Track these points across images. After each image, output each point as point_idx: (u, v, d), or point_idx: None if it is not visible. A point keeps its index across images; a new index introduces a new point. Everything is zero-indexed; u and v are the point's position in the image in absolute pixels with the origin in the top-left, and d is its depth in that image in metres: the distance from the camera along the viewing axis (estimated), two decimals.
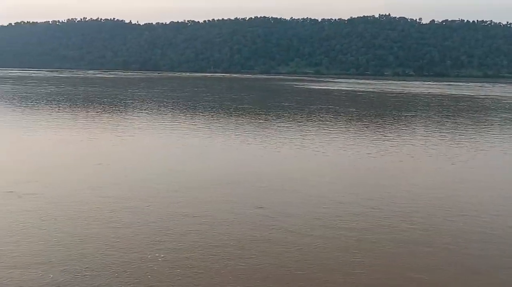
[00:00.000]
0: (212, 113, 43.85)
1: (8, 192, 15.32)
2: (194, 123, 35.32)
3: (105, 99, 59.16)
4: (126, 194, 15.59)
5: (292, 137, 29.10)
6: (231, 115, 42.73)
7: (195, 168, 20.13)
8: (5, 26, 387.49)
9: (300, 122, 37.92)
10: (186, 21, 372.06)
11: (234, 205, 14.67)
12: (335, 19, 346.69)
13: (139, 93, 74.16)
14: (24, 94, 65.85)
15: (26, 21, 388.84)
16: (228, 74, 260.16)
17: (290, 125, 35.68)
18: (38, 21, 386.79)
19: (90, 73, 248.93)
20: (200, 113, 43.61)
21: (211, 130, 31.60)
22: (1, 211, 13.50)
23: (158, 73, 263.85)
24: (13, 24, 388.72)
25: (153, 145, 25.81)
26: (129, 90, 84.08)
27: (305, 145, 26.09)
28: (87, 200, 14.75)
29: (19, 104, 49.02)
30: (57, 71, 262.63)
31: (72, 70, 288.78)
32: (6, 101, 53.37)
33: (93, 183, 16.99)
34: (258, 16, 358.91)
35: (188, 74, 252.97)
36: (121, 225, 12.63)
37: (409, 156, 23.94)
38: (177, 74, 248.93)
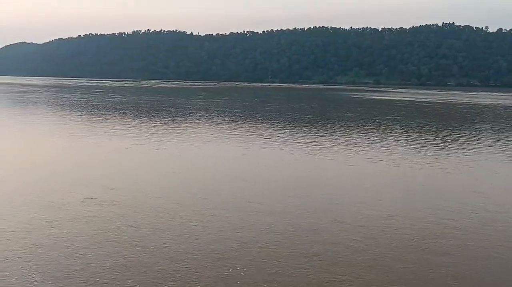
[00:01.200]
0: (276, 123, 43.54)
1: (88, 198, 15.53)
2: (261, 133, 35.07)
3: (170, 109, 60.38)
4: (205, 203, 15.38)
5: (361, 149, 28.13)
6: (295, 126, 42.19)
7: (269, 178, 19.75)
8: (74, 38, 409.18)
9: (367, 133, 36.78)
10: (245, 32, 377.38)
11: (310, 217, 14.09)
12: (396, 28, 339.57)
13: (201, 103, 75.31)
14: (94, 103, 68.56)
15: (94, 33, 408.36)
16: (286, 84, 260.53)
17: (357, 136, 34.66)
18: (105, 33, 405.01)
19: (153, 83, 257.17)
20: (265, 123, 43.40)
21: (277, 140, 31.20)
22: (84, 218, 13.62)
23: (217, 83, 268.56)
24: (82, 36, 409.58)
25: (222, 154, 25.71)
26: (191, 100, 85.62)
27: (376, 157, 25.07)
28: (167, 208, 14.66)
29: (90, 113, 50.92)
30: (122, 81, 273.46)
31: (136, 80, 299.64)
32: (77, 110, 55.65)
33: (169, 191, 16.97)
34: (317, 26, 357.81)
35: (246, 84, 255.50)
36: (207, 238, 12.37)
37: (493, 172, 22.42)
38: (235, 84, 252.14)
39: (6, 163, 21.95)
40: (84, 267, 10.22)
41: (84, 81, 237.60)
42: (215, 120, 45.82)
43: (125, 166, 22.22)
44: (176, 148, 27.60)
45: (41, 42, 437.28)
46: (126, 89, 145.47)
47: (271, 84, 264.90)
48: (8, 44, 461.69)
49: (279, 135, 34.58)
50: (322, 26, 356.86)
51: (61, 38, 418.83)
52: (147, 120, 44.66)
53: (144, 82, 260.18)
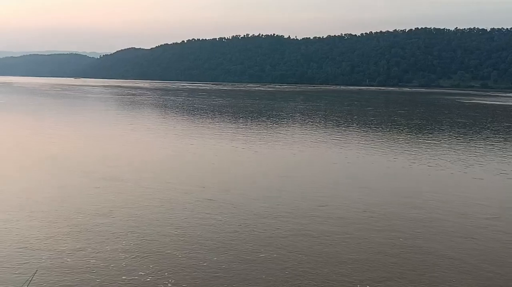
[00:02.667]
0: (383, 129, 42.04)
1: (208, 199, 15.90)
2: (369, 139, 34.01)
3: (272, 112, 60.96)
4: (329, 211, 15.07)
5: (487, 160, 26.12)
6: (401, 132, 40.35)
7: (384, 187, 18.96)
8: (178, 43, 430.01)
9: (488, 141, 34.19)
10: (343, 35, 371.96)
11: (435, 232, 13.18)
12: (507, 28, 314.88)
13: (300, 107, 75.17)
14: (199, 105, 71.30)
15: (196, 39, 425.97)
16: (384, 88, 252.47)
17: (478, 145, 32.32)
18: (207, 38, 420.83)
19: (250, 86, 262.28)
20: (372, 129, 42.08)
21: (388, 147, 29.99)
22: (206, 220, 13.90)
23: (313, 86, 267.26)
24: (185, 41, 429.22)
25: (332, 160, 25.19)
26: (290, 103, 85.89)
27: (506, 170, 23.11)
28: (286, 212, 14.57)
29: (197, 115, 52.91)
30: (221, 84, 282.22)
31: (234, 83, 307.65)
32: (185, 112, 58.11)
33: (285, 195, 16.88)
34: (419, 28, 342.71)
35: (342, 87, 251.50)
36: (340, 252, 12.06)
37: None
38: (332, 87, 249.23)
39: (124, 162, 23.26)
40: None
41: (186, 85, 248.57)
42: (317, 124, 45.34)
43: (239, 170, 22.50)
44: (287, 151, 27.58)
45: (149, 48, 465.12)
46: (225, 92, 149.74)
47: (368, 87, 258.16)
48: (120, 49, 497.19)
49: (390, 141, 33.27)
50: (425, 27, 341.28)
51: (167, 44, 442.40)
52: (253, 123, 45.33)
53: (242, 86, 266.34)
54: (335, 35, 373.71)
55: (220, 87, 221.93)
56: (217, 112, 57.86)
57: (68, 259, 10.62)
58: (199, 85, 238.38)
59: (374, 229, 13.42)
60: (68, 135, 33.39)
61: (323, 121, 48.27)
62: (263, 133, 36.01)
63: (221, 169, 22.14)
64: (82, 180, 18.52)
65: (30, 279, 9.21)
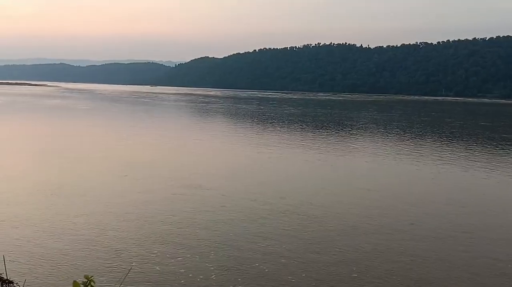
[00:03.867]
0: (467, 141, 39.76)
1: (292, 212, 15.59)
2: (453, 153, 32.25)
3: (346, 122, 59.89)
4: (422, 229, 14.26)
5: None
6: (497, 146, 37.80)
7: (479, 206, 17.72)
8: (250, 52, 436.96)
9: None
10: (418, 43, 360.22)
11: None
12: None
13: (374, 117, 73.28)
14: (271, 114, 71.51)
15: (268, 48, 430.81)
16: (461, 98, 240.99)
17: None
18: (278, 47, 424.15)
19: (320, 95, 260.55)
20: (454, 141, 39.97)
21: (475, 161, 28.21)
22: (292, 233, 13.57)
23: (385, 96, 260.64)
24: (256, 50, 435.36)
25: (414, 174, 24.02)
26: (363, 113, 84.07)
27: None
28: (373, 229, 13.93)
29: (271, 124, 53.02)
30: (290, 93, 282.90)
31: (304, 92, 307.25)
32: (258, 121, 58.41)
33: (370, 210, 16.18)
34: (500, 36, 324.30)
35: (416, 97, 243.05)
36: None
37: None
38: (405, 97, 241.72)
39: (204, 169, 23.50)
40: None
41: (256, 93, 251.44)
42: (394, 134, 43.74)
43: (317, 181, 22.03)
44: (364, 163, 26.76)
45: (221, 57, 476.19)
46: (296, 101, 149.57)
47: (444, 98, 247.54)
48: (194, 58, 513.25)
49: (476, 155, 31.32)
50: (507, 36, 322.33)
51: (239, 53, 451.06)
52: (327, 132, 44.62)
53: (312, 94, 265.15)
54: (409, 44, 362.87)
55: (290, 95, 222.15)
56: (289, 121, 57.68)
57: (157, 266, 10.68)
58: (269, 94, 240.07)
59: (478, 253, 12.47)
60: (149, 142, 34.46)
61: (400, 132, 46.57)
62: (337, 144, 35.26)
63: (299, 180, 21.76)
64: (165, 186, 18.84)
65: (122, 279, 9.39)
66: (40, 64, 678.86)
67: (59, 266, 10.46)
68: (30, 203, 15.66)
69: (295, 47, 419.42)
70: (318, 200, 17.54)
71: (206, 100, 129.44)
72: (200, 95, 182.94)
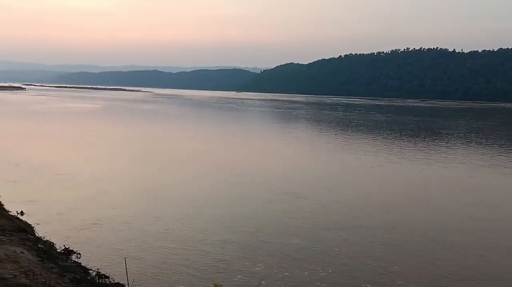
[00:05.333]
0: None
1: (402, 232, 14.87)
2: None
3: (441, 130, 56.99)
4: None
5: None
6: None
7: None
8: (335, 58, 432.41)
9: None
10: None
11: None
12: None
13: (473, 125, 69.04)
14: (360, 121, 69.92)
15: (354, 53, 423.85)
16: None
17: None
18: (365, 53, 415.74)
19: (408, 101, 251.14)
20: None
21: None
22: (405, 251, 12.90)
23: (479, 103, 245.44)
24: (342, 56, 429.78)
25: None
26: (460, 121, 79.66)
27: None
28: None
29: (360, 131, 51.79)
30: (376, 99, 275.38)
31: (391, 99, 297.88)
32: (348, 127, 57.31)
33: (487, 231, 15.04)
34: None
35: None
36: None
37: None
38: (502, 104, 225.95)
39: (301, 177, 23.25)
40: None
41: (341, 99, 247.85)
42: (504, 146, 40.74)
43: (419, 194, 20.94)
44: (469, 176, 25.13)
45: (306, 63, 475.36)
46: (383, 108, 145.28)
47: None
48: (279, 64, 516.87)
49: None
50: None
51: (324, 59, 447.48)
52: (424, 142, 42.61)
53: (399, 101, 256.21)
54: (507, 48, 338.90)
55: (376, 102, 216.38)
56: (379, 129, 55.97)
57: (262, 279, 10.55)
58: (354, 100, 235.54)
59: None
60: (240, 146, 34.96)
61: (508, 143, 43.38)
62: (438, 154, 33.36)
63: (401, 191, 20.83)
64: (259, 192, 18.81)
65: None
66: (134, 71, 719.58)
67: (180, 272, 10.58)
68: (139, 205, 16.28)
69: (382, 52, 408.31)
70: (423, 215, 16.63)
71: (292, 106, 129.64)
72: (285, 101, 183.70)
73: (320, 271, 10.95)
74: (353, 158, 30.26)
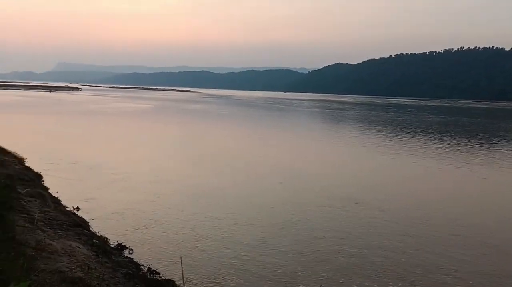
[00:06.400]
0: None
1: (469, 244, 14.08)
2: None
3: (508, 134, 54.40)
4: None
5: None
6: None
7: None
8: (385, 58, 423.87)
9: None
10: None
11: None
12: None
13: None
14: (413, 123, 67.83)
15: (405, 53, 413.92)
16: None
17: None
18: (416, 53, 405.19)
19: (461, 102, 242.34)
20: None
21: None
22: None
23: None
24: (393, 56, 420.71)
25: None
26: None
27: None
28: None
29: (416, 134, 50.21)
30: (428, 100, 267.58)
31: (443, 99, 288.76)
32: (402, 130, 55.67)
33: None
34: None
35: None
36: None
37: None
38: None
39: (361, 183, 22.63)
40: None
41: (391, 100, 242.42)
42: None
43: (489, 199, 19.83)
44: None
45: (355, 63, 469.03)
46: (436, 109, 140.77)
47: None
48: (327, 65, 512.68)
49: None
50: None
51: (373, 59, 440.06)
52: (484, 145, 40.57)
53: (452, 102, 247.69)
54: None
55: (428, 103, 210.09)
56: (435, 131, 53.96)
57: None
58: (405, 101, 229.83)
59: None
60: (291, 148, 34.58)
61: None
62: (502, 159, 31.72)
63: (468, 200, 19.69)
64: (317, 198, 18.36)
65: None
66: (184, 72, 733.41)
67: (235, 277, 10.30)
68: (194, 207, 16.24)
69: (435, 52, 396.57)
70: (493, 224, 15.61)
71: (341, 107, 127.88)
72: (333, 101, 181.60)
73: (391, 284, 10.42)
74: (412, 161, 28.86)
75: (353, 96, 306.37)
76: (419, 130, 54.31)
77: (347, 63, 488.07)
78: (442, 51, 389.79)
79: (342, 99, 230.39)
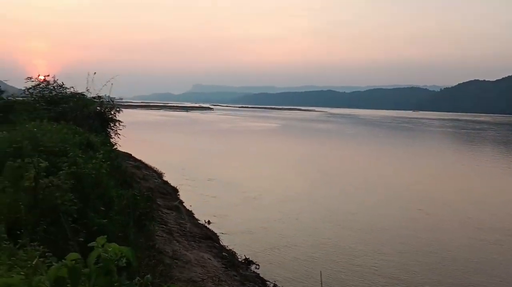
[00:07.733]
0: None
1: None
2: None
3: None
4: None
5: None
6: None
7: None
8: None
9: None
10: None
11: None
12: None
13: None
14: None
15: None
16: None
17: None
18: None
19: None
20: None
21: None
22: None
23: None
24: None
25: None
26: None
27: None
28: None
29: None
30: None
31: None
32: None
33: None
34: None
35: None
36: None
37: None
38: None
39: None
40: None
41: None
42: None
43: None
44: None
45: (494, 79, 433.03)
46: None
47: None
48: (461, 82, 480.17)
49: None
50: None
51: None
52: None
53: None
54: None
55: None
56: None
57: None
58: None
59: None
60: (422, 171, 32.91)
61: None
62: None
63: None
64: (463, 227, 17.19)
65: None
66: (309, 91, 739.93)
67: None
68: (325, 230, 16.21)
69: None
70: None
71: (478, 127, 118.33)
72: (468, 121, 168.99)
73: None
74: None
75: (490, 115, 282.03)
76: None
77: (484, 80, 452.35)
78: None
79: (478, 118, 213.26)
